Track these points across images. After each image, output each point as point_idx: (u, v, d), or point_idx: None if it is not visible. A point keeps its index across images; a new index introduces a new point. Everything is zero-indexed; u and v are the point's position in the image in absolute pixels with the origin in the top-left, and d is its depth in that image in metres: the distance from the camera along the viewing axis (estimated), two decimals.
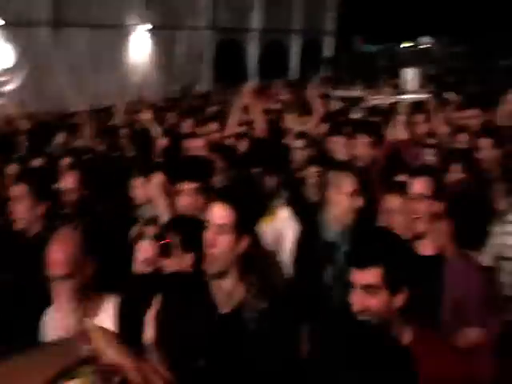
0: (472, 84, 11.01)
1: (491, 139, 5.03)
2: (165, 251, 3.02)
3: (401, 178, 4.32)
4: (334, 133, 5.74)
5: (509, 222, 3.89)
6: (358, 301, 2.19)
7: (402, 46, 22.07)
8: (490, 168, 4.87)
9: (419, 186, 3.45)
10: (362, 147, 5.01)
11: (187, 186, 3.82)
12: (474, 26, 24.33)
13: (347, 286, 2.25)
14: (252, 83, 7.29)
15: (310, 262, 3.55)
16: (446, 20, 24.09)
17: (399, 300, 2.20)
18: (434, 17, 23.60)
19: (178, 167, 4.41)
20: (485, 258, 3.58)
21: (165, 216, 3.57)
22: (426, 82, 11.14)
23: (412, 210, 3.42)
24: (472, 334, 2.85)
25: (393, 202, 3.71)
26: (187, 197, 3.80)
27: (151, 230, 3.37)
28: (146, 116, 7.28)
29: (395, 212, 3.62)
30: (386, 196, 3.80)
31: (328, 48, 21.72)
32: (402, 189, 3.68)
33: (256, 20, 18.58)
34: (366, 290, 2.18)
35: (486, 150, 5.01)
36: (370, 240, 2.31)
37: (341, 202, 3.60)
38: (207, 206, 2.48)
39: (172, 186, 3.85)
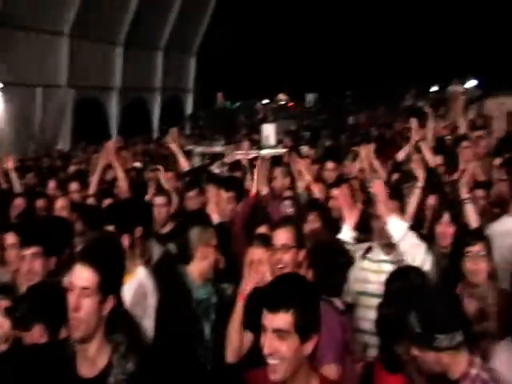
0: (325, 139, 11.69)
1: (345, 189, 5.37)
2: (21, 324, 2.85)
3: (262, 229, 4.50)
4: (191, 188, 5.85)
5: (368, 260, 4.15)
6: (269, 344, 2.20)
7: (261, 102, 22.98)
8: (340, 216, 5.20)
9: (282, 236, 3.61)
10: (223, 202, 5.19)
11: (29, 251, 3.75)
12: (329, 85, 25.98)
13: (222, 339, 2.26)
14: (114, 141, 7.24)
15: (179, 320, 3.53)
16: (302, 79, 25.52)
17: (309, 347, 2.24)
18: (291, 75, 24.91)
19: (27, 229, 4.28)
20: (346, 296, 3.76)
21: (23, 282, 3.42)
22: (284, 137, 11.69)
23: (276, 261, 3.55)
24: (328, 371, 2.95)
25: (256, 253, 3.83)
26: (30, 261, 3.72)
27: (3, 303, 3.08)
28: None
29: (259, 263, 3.74)
30: (250, 248, 3.92)
31: (189, 105, 22.14)
32: (265, 240, 3.84)
33: (117, 78, 18.56)
34: (277, 334, 2.19)
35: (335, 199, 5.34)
36: (283, 284, 2.36)
37: (208, 255, 3.67)
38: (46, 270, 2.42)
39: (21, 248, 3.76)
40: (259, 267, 3.65)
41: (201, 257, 3.65)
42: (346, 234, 4.34)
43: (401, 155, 7.11)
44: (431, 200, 5.10)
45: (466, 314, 2.81)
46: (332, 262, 3.55)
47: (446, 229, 4.34)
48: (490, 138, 7.89)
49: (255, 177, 5.45)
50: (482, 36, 27.86)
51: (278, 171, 6.48)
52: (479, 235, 3.84)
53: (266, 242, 3.79)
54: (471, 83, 24.63)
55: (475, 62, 25.59)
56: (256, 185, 5.38)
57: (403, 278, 3.25)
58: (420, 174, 4.91)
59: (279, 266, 3.51)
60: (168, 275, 3.84)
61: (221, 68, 22.67)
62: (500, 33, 27.84)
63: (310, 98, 21.43)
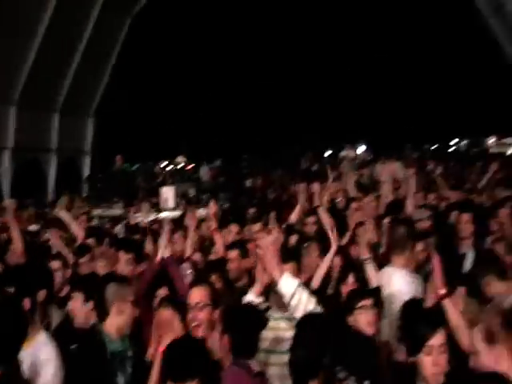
0: (223, 201, 11.91)
1: (238, 251, 5.54)
2: None
3: (161, 292, 4.54)
4: (84, 253, 5.80)
5: (277, 318, 4.27)
6: None
7: (159, 165, 23.06)
8: (239, 277, 5.35)
9: (197, 294, 3.68)
10: (123, 264, 5.18)
11: None
12: (227, 149, 26.53)
13: None
14: (9, 202, 7.02)
15: (93, 373, 3.50)
16: (200, 142, 25.93)
17: None
18: (190, 138, 25.24)
19: None
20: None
21: None
22: (182, 199, 11.80)
23: (191, 319, 3.61)
24: None
25: (164, 314, 3.88)
26: None
27: None
28: None
29: (168, 324, 3.78)
30: (159, 310, 3.96)
31: (87, 167, 21.79)
32: (171, 302, 3.92)
33: (9, 138, 18.04)
34: None
35: (236, 261, 5.48)
36: (186, 353, 2.38)
37: (124, 310, 3.73)
38: None
39: None
40: (167, 328, 3.72)
41: (117, 312, 3.72)
42: (251, 296, 4.31)
43: (293, 217, 7.34)
44: (336, 260, 5.33)
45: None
46: (246, 324, 3.65)
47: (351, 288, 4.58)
48: (379, 201, 8.33)
49: (160, 241, 5.49)
50: (371, 103, 29.69)
51: (179, 234, 6.53)
52: (370, 292, 4.12)
53: (173, 303, 3.87)
54: (362, 148, 26.07)
55: (365, 128, 27.17)
56: (159, 249, 5.44)
57: (311, 323, 3.43)
58: (333, 236, 5.08)
59: (193, 324, 3.58)
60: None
61: (119, 130, 22.64)
62: (388, 101, 29.81)
63: (204, 170, 21.80)
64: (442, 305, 3.73)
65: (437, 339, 3.21)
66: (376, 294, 4.26)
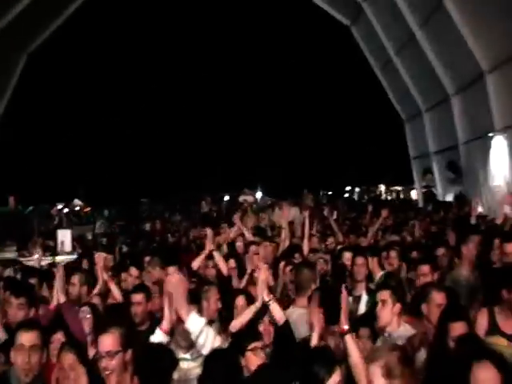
0: (122, 245, 11.79)
1: (143, 294, 5.55)
2: None
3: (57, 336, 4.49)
4: None
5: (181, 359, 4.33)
6: None
7: (56, 207, 22.38)
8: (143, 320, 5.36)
9: (106, 343, 3.62)
10: (14, 309, 5.08)
11: None
12: (127, 192, 26.23)
13: None
14: None
15: None
16: (98, 185, 25.50)
17: None
18: (87, 181, 24.77)
19: None
20: None
21: None
22: (78, 243, 11.58)
23: (104, 368, 3.55)
24: None
25: (67, 359, 3.85)
26: None
27: None
28: None
29: (71, 369, 3.79)
30: (61, 355, 3.93)
31: None
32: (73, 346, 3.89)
33: None
34: None
35: (141, 304, 5.50)
36: None
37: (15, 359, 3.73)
38: None
39: None
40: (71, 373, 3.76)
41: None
42: (159, 336, 4.32)
43: (196, 263, 7.42)
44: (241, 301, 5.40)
45: None
46: (158, 365, 3.67)
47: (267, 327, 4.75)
48: (277, 245, 8.62)
49: (56, 285, 5.42)
50: (262, 150, 30.51)
51: (76, 278, 6.43)
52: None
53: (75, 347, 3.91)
54: (259, 193, 26.64)
55: (263, 174, 27.85)
56: (55, 293, 5.36)
57: (219, 358, 3.54)
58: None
59: (106, 372, 3.52)
60: None
61: (12, 170, 21.85)
62: (283, 148, 30.77)
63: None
64: (343, 340, 3.93)
65: (333, 379, 3.42)
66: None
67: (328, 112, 30.66)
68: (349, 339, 3.90)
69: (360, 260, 6.38)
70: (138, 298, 5.51)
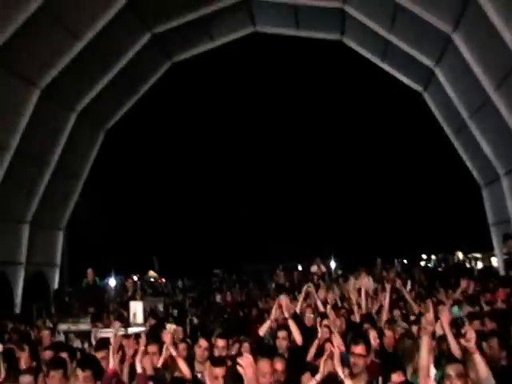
0: (193, 316, 11.81)
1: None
2: None
3: None
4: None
5: None
6: None
7: (131, 279, 22.83)
8: None
9: None
10: (80, 382, 5.13)
11: None
12: (199, 263, 26.52)
13: None
14: None
15: None
16: (172, 257, 25.94)
17: None
18: (161, 252, 25.24)
19: None
20: None
21: None
22: (150, 315, 11.67)
23: None
24: None
25: None
26: None
27: None
28: None
29: None
30: None
31: (56, 280, 21.40)
32: None
33: None
34: None
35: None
36: None
37: None
38: None
39: None
40: None
41: None
42: None
43: (262, 330, 7.34)
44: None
45: None
46: None
47: None
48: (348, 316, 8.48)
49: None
50: (342, 218, 30.31)
51: (153, 348, 6.54)
52: None
53: None
54: (332, 263, 26.25)
55: (335, 243, 27.54)
56: (112, 361, 5.48)
57: None
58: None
59: None
60: None
61: (90, 243, 22.54)
62: (358, 217, 30.49)
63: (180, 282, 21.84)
64: None
65: None
66: None
67: (403, 179, 30.32)
68: None
69: None
70: (219, 372, 5.42)
